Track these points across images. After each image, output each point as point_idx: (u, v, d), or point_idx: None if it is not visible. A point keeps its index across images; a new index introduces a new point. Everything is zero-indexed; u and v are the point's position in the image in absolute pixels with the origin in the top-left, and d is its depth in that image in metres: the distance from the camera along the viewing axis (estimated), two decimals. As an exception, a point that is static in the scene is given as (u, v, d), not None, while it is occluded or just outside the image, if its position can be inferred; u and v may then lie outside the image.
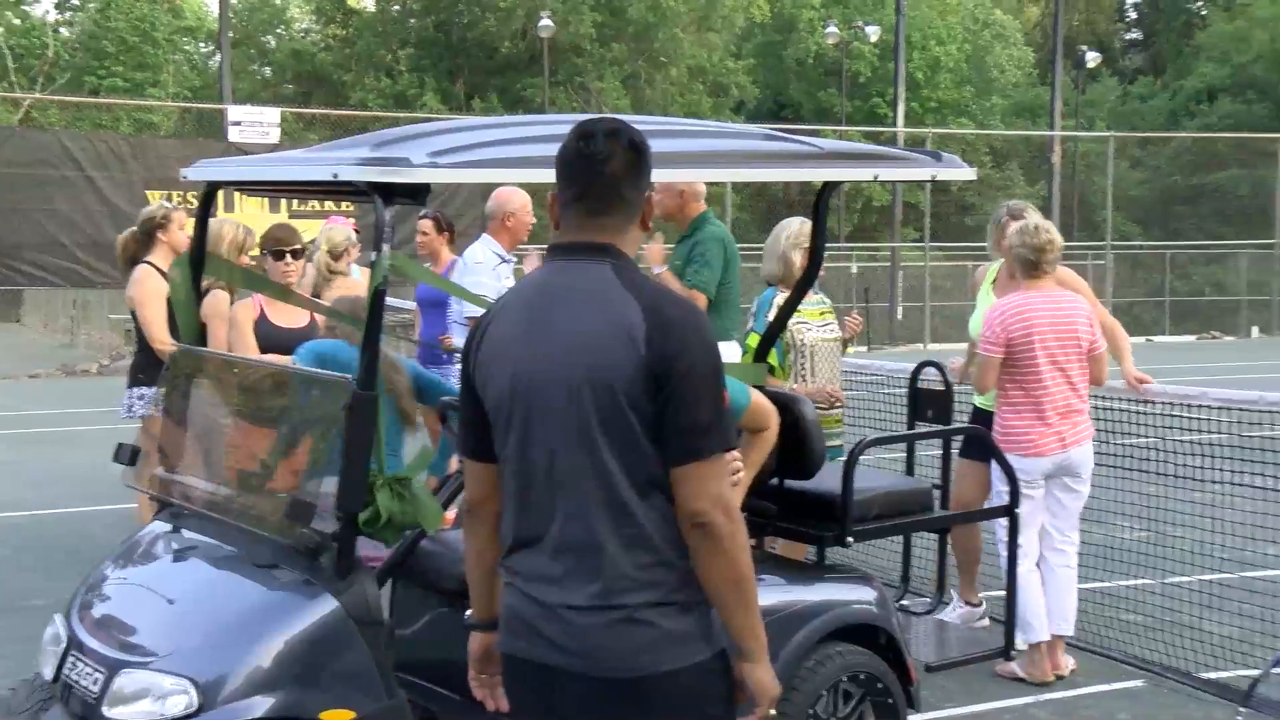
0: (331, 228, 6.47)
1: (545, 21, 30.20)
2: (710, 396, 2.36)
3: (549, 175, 3.28)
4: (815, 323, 5.42)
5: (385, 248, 3.04)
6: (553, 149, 3.17)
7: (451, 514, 7.01)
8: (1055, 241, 5.15)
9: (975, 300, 5.85)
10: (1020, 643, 5.48)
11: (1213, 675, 5.22)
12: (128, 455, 4.02)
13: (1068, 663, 5.36)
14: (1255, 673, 4.77)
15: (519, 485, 2.45)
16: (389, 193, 2.99)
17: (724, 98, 39.44)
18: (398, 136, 3.32)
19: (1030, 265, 5.15)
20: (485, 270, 6.46)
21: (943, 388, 5.27)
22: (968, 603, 5.73)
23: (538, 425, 2.40)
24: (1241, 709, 4.65)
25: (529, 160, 3.17)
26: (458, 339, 6.47)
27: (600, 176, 2.44)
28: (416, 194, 2.98)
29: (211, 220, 6.12)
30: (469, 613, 2.70)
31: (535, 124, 3.67)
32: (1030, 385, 5.10)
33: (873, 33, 35.62)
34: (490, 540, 2.56)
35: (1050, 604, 5.27)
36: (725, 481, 2.38)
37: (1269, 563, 5.59)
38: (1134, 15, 56.21)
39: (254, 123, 19.28)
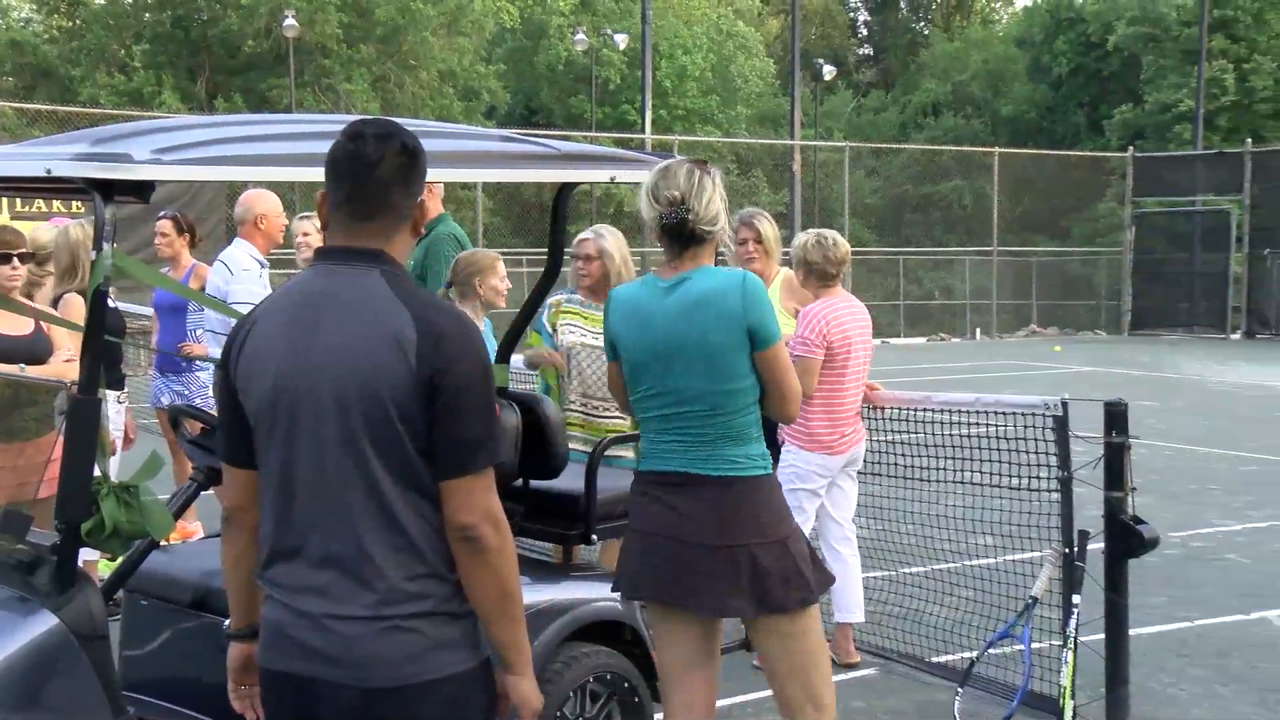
0: (37, 228, 6.15)
1: (289, 21, 29.39)
2: (481, 410, 2.35)
3: (282, 174, 3.23)
4: (588, 327, 5.48)
5: (106, 247, 2.91)
6: (286, 147, 3.12)
7: (194, 528, 6.81)
8: (848, 249, 5.48)
9: None
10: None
11: (938, 659, 5.51)
12: None
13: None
14: (973, 654, 5.08)
15: (280, 495, 2.39)
16: (108, 190, 2.86)
17: (475, 102, 39.27)
18: (122, 132, 3.17)
19: (829, 276, 5.42)
20: (253, 277, 6.25)
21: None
22: None
23: (302, 435, 2.35)
24: (960, 688, 4.94)
25: (261, 158, 3.08)
26: (214, 346, 6.24)
27: (369, 179, 2.39)
28: (139, 191, 2.86)
29: (64, 223, 5.75)
30: (227, 622, 2.63)
31: (269, 123, 3.57)
32: (834, 387, 5.33)
33: (621, 40, 36.11)
34: (249, 547, 2.50)
35: (841, 593, 5.50)
36: (494, 495, 2.37)
37: (984, 552, 5.93)
38: (865, 32, 58.92)
39: (-31, 117, 18.05)
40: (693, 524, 3.28)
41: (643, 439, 3.43)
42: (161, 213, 7.52)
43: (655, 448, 3.37)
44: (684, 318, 3.26)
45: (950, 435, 5.66)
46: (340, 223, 2.42)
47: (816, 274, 5.42)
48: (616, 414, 5.45)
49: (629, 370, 3.40)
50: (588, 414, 5.41)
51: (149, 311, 8.01)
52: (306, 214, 6.23)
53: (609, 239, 5.53)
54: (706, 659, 3.48)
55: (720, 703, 5.07)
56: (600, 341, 5.49)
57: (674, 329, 3.27)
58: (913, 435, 5.85)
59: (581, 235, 5.61)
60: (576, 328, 5.51)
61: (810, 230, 5.59)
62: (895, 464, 5.91)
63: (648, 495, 3.38)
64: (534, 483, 4.13)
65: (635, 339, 3.34)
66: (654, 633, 3.52)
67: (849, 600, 5.52)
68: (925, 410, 5.69)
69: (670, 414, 3.30)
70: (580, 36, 36.04)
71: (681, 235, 3.31)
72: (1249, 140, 28.38)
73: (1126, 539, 4.54)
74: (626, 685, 3.90)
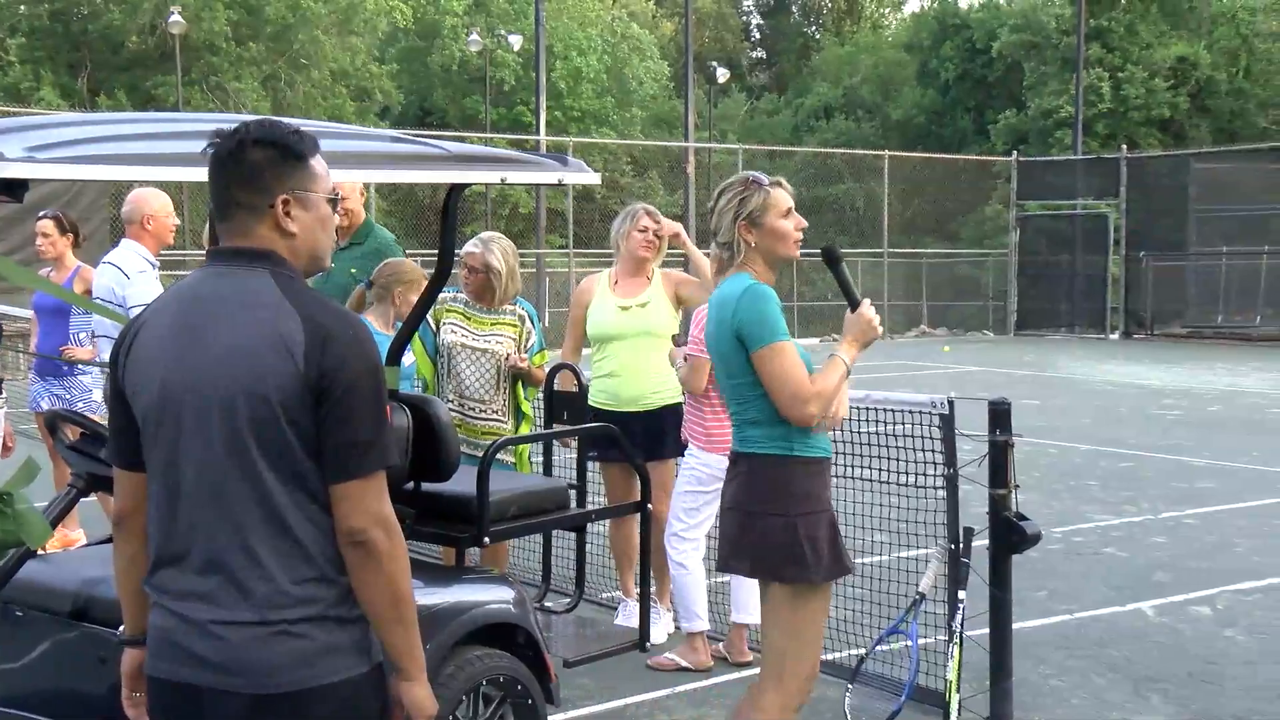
0: None
1: (175, 17, 28.78)
2: (371, 413, 2.32)
3: (163, 173, 3.15)
4: (469, 328, 5.46)
5: (-22, 247, 2.83)
6: (167, 146, 3.05)
7: (77, 535, 6.63)
8: None
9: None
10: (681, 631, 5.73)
11: (829, 656, 5.57)
12: None
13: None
14: (862, 651, 5.15)
15: (166, 499, 2.35)
16: (-23, 188, 2.77)
17: (368, 102, 38.86)
18: (-6, 129, 3.08)
19: None
20: (149, 280, 6.10)
21: (576, 390, 5.42)
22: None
23: (189, 438, 2.31)
24: (850, 685, 5.01)
25: (141, 157, 3.00)
26: (106, 350, 6.07)
27: (215, 178, 2.38)
28: (12, 190, 2.78)
29: None
30: (121, 628, 2.58)
31: (150, 121, 3.50)
32: None
33: (515, 41, 36.01)
34: (141, 552, 2.45)
35: (741, 593, 5.53)
36: (385, 498, 2.35)
37: (876, 549, 6.01)
38: (758, 35, 59.47)
39: None
40: (735, 491, 3.71)
41: None
42: (42, 212, 7.31)
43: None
44: (710, 323, 3.74)
45: (841, 432, 5.73)
46: (216, 223, 2.42)
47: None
48: (493, 415, 5.46)
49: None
50: (464, 414, 5.41)
51: (27, 313, 7.79)
52: None
53: (497, 254, 5.49)
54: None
55: (613, 703, 5.14)
56: (479, 344, 5.53)
57: (708, 332, 3.76)
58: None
59: (469, 246, 5.57)
60: (458, 328, 5.50)
61: None
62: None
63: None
64: (425, 485, 4.10)
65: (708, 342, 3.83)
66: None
67: (746, 600, 5.56)
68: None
69: (727, 401, 3.78)
70: (474, 37, 35.86)
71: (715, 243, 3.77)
72: (1124, 146, 29.26)
73: (1010, 535, 4.64)
74: (520, 688, 3.88)
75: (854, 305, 3.74)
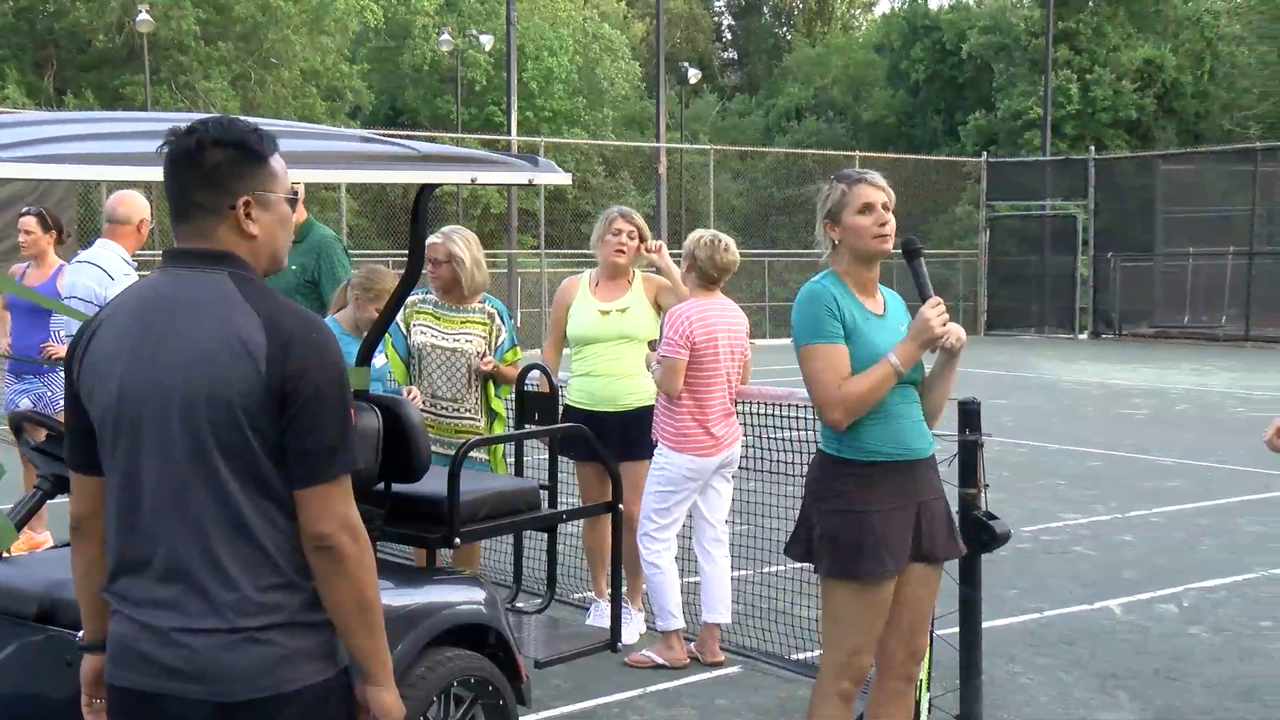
0: None
1: (143, 15, 28.55)
2: (336, 417, 2.29)
3: (133, 173, 3.12)
4: (439, 328, 5.45)
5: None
6: (136, 145, 3.03)
7: (44, 538, 6.57)
8: (736, 259, 5.55)
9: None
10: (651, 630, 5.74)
11: (801, 656, 5.60)
12: None
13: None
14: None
15: (124, 505, 2.31)
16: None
17: (339, 102, 38.71)
18: (-42, 128, 3.06)
19: (709, 279, 5.50)
20: (133, 280, 6.06)
21: (547, 390, 5.41)
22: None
23: (148, 442, 2.27)
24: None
25: (105, 156, 2.98)
26: None
27: (172, 179, 2.34)
28: (-26, 189, 2.76)
29: None
30: (80, 634, 2.55)
31: (115, 120, 3.47)
32: (701, 388, 5.37)
33: (487, 41, 35.90)
34: (100, 557, 2.41)
35: (710, 593, 5.56)
36: (351, 502, 2.32)
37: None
38: (729, 36, 59.57)
39: None
40: None
41: None
42: (25, 209, 7.23)
43: None
44: None
45: (814, 433, 5.74)
46: (174, 224, 2.38)
47: (698, 273, 5.50)
48: (466, 414, 5.44)
49: None
50: (436, 414, 5.39)
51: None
52: None
53: (459, 243, 5.44)
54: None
55: (585, 703, 5.13)
56: (449, 343, 5.50)
57: None
58: (779, 432, 5.94)
59: (431, 238, 5.52)
60: (428, 329, 5.47)
61: (708, 230, 5.66)
62: (762, 461, 5.98)
63: None
64: (395, 485, 4.09)
65: None
66: None
67: (717, 600, 5.58)
68: (790, 406, 5.77)
69: None
70: (445, 37, 35.72)
71: None
72: (1092, 148, 29.44)
73: (979, 534, 4.65)
74: (491, 689, 3.87)
75: (924, 302, 3.72)
